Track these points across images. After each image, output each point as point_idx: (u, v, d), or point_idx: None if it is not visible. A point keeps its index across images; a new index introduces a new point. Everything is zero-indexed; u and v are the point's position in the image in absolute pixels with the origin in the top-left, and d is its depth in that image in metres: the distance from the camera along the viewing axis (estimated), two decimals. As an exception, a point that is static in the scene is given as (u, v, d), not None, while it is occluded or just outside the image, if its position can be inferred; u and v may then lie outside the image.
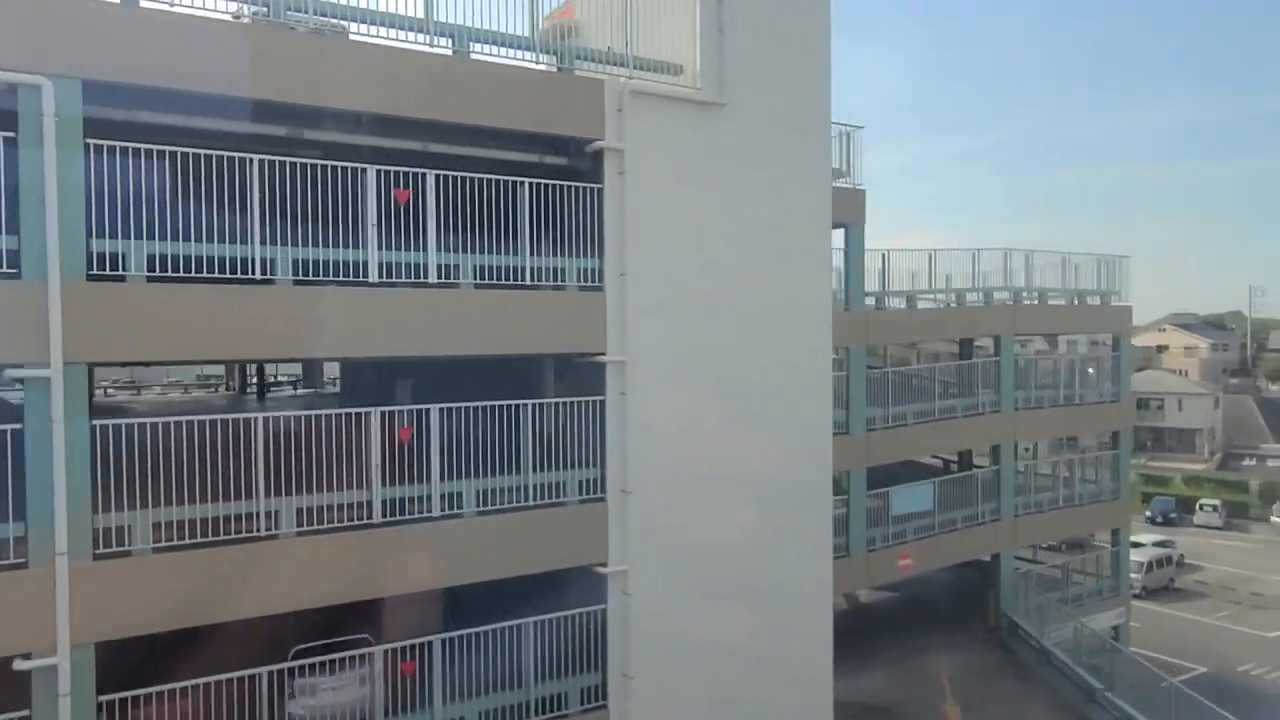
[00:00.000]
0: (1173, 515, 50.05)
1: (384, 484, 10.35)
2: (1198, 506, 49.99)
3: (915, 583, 25.10)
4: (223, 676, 9.59)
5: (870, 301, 20.89)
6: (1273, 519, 49.45)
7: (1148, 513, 51.27)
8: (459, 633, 10.94)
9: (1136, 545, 40.69)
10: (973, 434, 22.58)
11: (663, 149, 12.08)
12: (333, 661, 10.66)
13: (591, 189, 11.68)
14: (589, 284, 11.76)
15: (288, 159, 9.73)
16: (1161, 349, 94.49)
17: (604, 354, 11.69)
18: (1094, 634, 22.14)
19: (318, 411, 9.91)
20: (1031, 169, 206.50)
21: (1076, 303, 25.57)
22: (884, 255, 20.94)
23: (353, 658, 10.76)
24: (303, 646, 10.77)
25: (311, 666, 10.53)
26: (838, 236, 19.81)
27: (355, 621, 11.30)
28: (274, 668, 10.23)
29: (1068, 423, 24.83)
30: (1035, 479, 24.43)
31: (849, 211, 19.49)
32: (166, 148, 9.02)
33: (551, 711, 11.47)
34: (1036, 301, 24.30)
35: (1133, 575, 36.46)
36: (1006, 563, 23.01)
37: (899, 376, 21.51)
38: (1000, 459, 22.76)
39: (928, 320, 22.42)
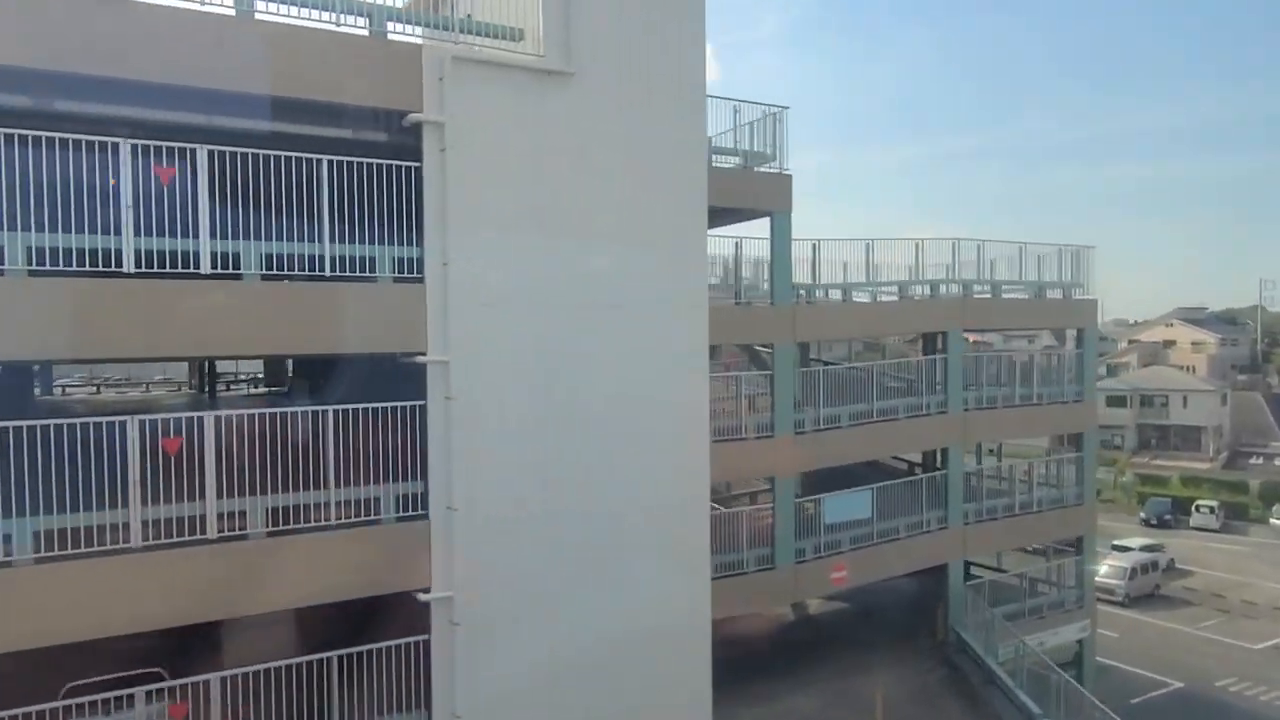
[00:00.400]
0: (1168, 517, 48.24)
1: (146, 502, 9.10)
2: (1194, 508, 48.11)
3: (869, 592, 23.68)
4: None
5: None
6: (1272, 521, 47.54)
7: (1142, 514, 49.52)
8: (252, 668, 9.71)
9: (1123, 549, 39.12)
10: (917, 437, 21.14)
11: (495, 123, 10.76)
12: (112, 700, 9.49)
13: (409, 168, 10.39)
14: (406, 275, 10.47)
15: (29, 133, 8.50)
16: (1169, 344, 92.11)
17: (424, 353, 10.40)
18: (1034, 652, 20.63)
19: (46, 421, 8.64)
20: (1039, 167, 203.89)
21: (1037, 296, 24.02)
22: (814, 245, 19.49)
23: (136, 696, 9.58)
24: (77, 684, 9.62)
25: (86, 706, 9.35)
26: (762, 225, 18.51)
27: (150, 654, 10.13)
28: (38, 708, 9.08)
29: (1024, 424, 23.29)
30: (990, 483, 22.94)
31: (774, 198, 18.13)
32: None
33: (364, 756, 10.23)
34: (990, 294, 22.80)
35: (1115, 582, 34.99)
36: (955, 573, 21.55)
37: (833, 375, 20.09)
38: (948, 463, 21.30)
39: (864, 314, 20.94)
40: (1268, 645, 29.85)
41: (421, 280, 10.42)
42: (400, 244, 10.43)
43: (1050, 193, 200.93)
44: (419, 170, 10.36)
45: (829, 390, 19.85)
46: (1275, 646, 29.71)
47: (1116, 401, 77.80)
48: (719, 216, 19.12)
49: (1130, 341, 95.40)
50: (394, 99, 10.25)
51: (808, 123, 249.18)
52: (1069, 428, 24.25)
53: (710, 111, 17.87)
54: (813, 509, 19.49)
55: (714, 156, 17.92)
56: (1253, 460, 73.19)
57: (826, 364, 22.64)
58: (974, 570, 25.35)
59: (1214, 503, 48.26)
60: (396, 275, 10.41)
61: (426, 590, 10.45)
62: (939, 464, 22.91)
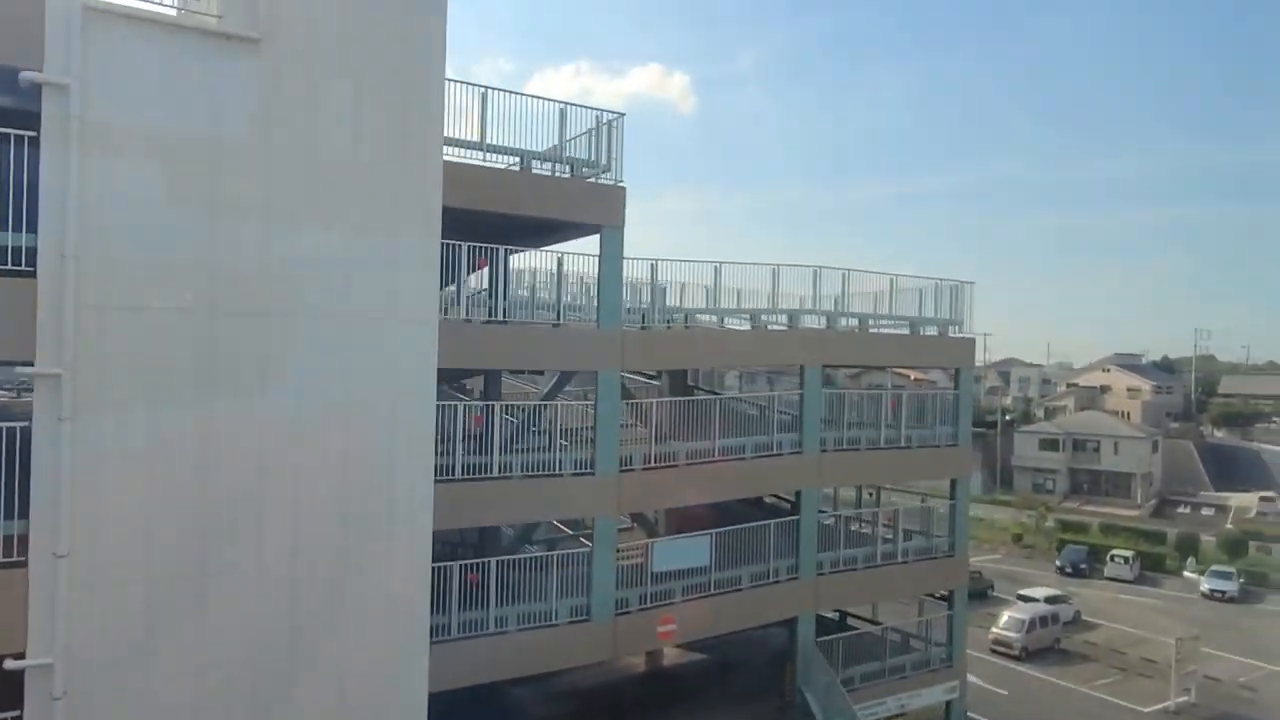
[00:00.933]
0: (1083, 566, 47.19)
1: None
2: (1109, 558, 47.12)
3: (733, 642, 21.98)
4: None
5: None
6: (1185, 574, 46.66)
7: (1058, 562, 48.46)
8: None
9: (1027, 599, 37.82)
10: (765, 478, 19.50)
11: (147, 91, 8.95)
12: None
13: (22, 137, 8.55)
14: (10, 268, 8.60)
15: None
16: (1105, 389, 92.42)
17: (31, 364, 8.50)
18: (893, 715, 19.00)
19: None
20: (1007, 211, 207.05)
21: (914, 332, 22.64)
22: (653, 265, 17.87)
23: None
24: None
25: None
26: (592, 243, 16.86)
27: None
28: None
29: (890, 468, 21.77)
30: (851, 531, 21.36)
31: (604, 212, 16.50)
32: None
33: None
34: (857, 327, 21.36)
35: (1013, 634, 33.60)
36: (805, 629, 19.85)
37: (672, 407, 18.44)
38: (801, 507, 19.69)
39: (710, 343, 19.29)
40: (1157, 709, 28.54)
41: (32, 274, 8.54)
42: (8, 230, 8.56)
43: (1017, 236, 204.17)
44: (34, 140, 8.52)
45: (666, 424, 18.20)
46: (1164, 710, 28.38)
47: (1049, 445, 77.50)
48: (546, 231, 17.52)
49: (1069, 385, 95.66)
50: (6, 52, 8.42)
51: (779, 158, 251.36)
52: (941, 473, 22.80)
53: (541, 115, 16.48)
54: (642, 555, 17.76)
55: (538, 164, 16.36)
56: (1180, 509, 73.01)
57: (711, 394, 21.01)
58: (850, 622, 23.84)
59: (1129, 553, 47.31)
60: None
61: (19, 656, 8.46)
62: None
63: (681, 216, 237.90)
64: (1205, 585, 43.46)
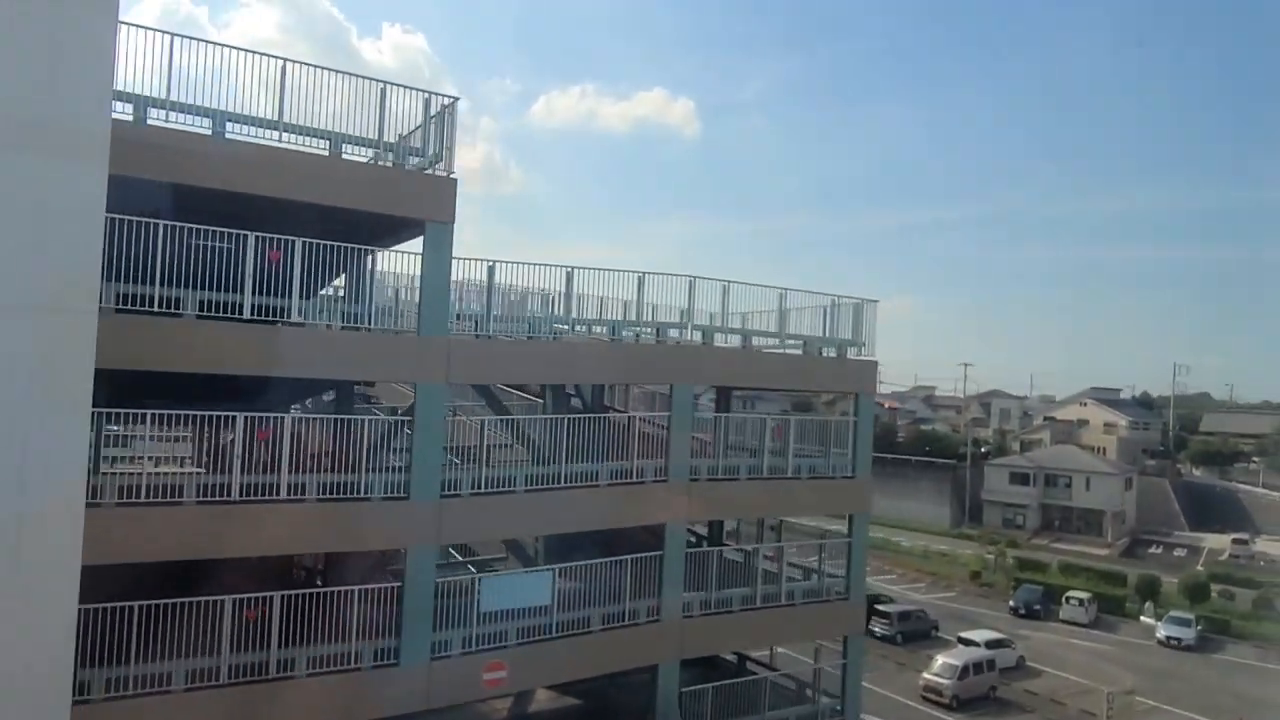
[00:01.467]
0: (1038, 607, 45.07)
1: None
2: (1064, 599, 45.03)
3: (619, 685, 19.96)
4: None
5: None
6: (1143, 619, 44.57)
7: (1011, 602, 46.34)
8: None
9: (967, 643, 35.80)
10: (621, 508, 17.54)
11: None
12: None
13: None
14: None
15: None
16: (1082, 424, 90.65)
17: None
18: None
19: None
20: (1004, 243, 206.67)
21: (809, 352, 20.78)
22: (491, 268, 16.02)
23: None
24: None
25: None
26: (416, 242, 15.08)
27: None
28: None
29: (775, 501, 19.84)
30: (728, 569, 19.38)
31: (428, 205, 14.70)
32: None
33: None
34: (741, 345, 19.52)
35: (944, 681, 31.54)
36: (666, 678, 17.80)
37: (514, 426, 16.57)
38: (665, 542, 17.73)
39: (553, 356, 17.34)
40: (1086, 767, 26.42)
41: None
42: None
43: (1015, 268, 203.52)
44: None
45: (502, 445, 16.33)
46: (1093, 770, 26.27)
47: (1020, 479, 75.59)
48: (380, 230, 15.76)
49: (1046, 418, 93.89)
50: None
51: (782, 186, 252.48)
52: (834, 507, 20.92)
53: (360, 96, 14.78)
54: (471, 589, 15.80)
55: (354, 151, 14.63)
56: (1152, 549, 70.95)
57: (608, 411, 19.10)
58: (749, 667, 21.84)
59: (1085, 595, 45.19)
60: None
61: None
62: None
63: (686, 240, 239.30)
64: (1161, 632, 41.38)
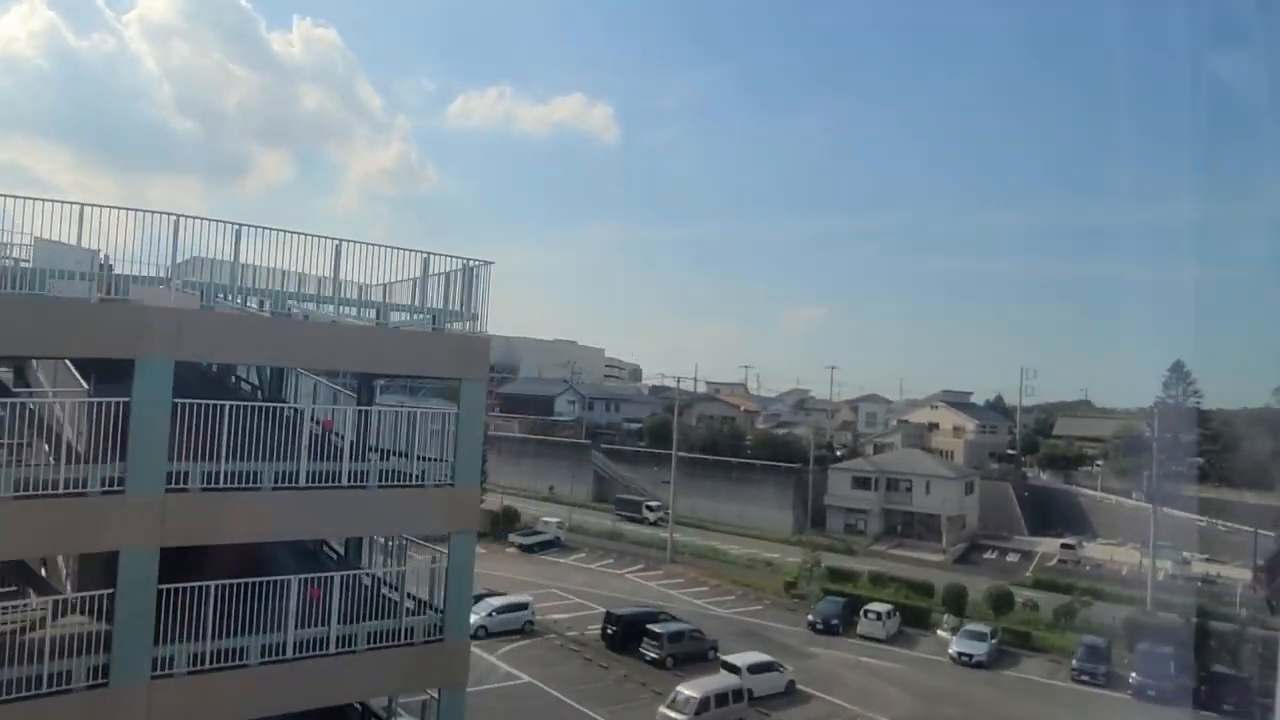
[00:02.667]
0: (836, 622, 41.87)
1: None
2: (862, 613, 42.00)
3: None
4: None
5: None
6: (939, 632, 41.91)
7: (810, 616, 43.09)
8: None
9: (729, 667, 32.02)
10: (44, 531, 12.54)
11: None
12: None
13: None
14: None
15: None
16: (934, 427, 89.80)
17: None
18: None
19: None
20: (907, 254, 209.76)
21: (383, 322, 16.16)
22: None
23: None
24: None
25: None
26: None
27: None
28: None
29: (321, 517, 15.08)
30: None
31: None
32: None
33: None
34: (270, 311, 14.77)
35: (679, 715, 27.49)
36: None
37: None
38: (121, 579, 12.76)
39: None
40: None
41: None
42: None
43: (925, 278, 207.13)
44: None
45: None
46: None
47: (861, 483, 73.51)
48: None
49: (900, 421, 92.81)
50: None
51: (700, 194, 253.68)
52: (423, 523, 16.34)
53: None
54: None
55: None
56: (987, 554, 69.70)
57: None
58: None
59: (885, 608, 42.22)
60: None
61: None
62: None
63: (606, 246, 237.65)
64: (954, 648, 38.63)
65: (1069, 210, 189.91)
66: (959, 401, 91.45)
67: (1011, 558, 67.96)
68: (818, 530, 73.22)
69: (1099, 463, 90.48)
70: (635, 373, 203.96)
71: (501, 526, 61.18)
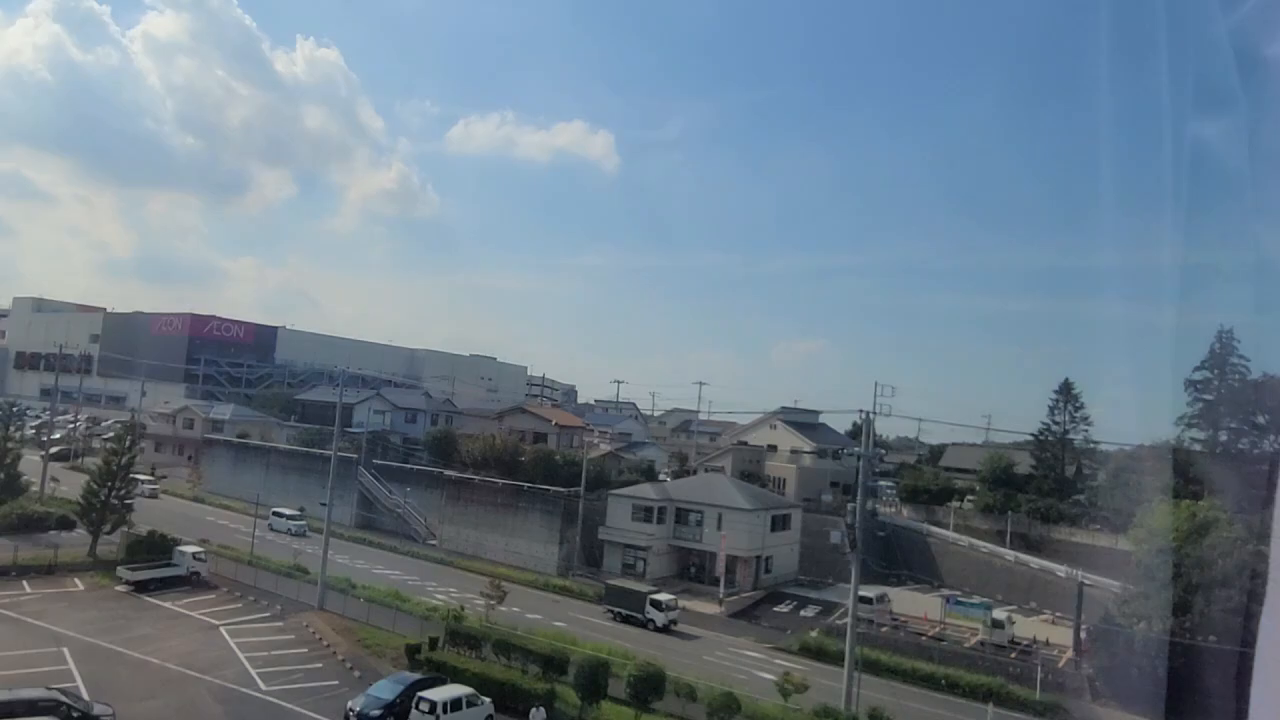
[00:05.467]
0: (377, 713, 28.27)
1: None
2: (415, 703, 28.38)
3: None
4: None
5: None
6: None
7: (352, 706, 29.43)
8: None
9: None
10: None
11: None
12: None
13: None
14: None
15: None
16: (772, 449, 76.58)
17: None
18: None
19: None
20: (908, 292, 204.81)
21: None
22: None
23: None
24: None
25: None
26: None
27: None
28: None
29: None
30: None
31: None
32: None
33: None
34: None
35: None
36: None
37: None
38: None
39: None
40: None
41: None
42: None
43: (919, 313, 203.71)
44: None
45: None
46: None
47: (644, 514, 59.93)
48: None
49: (738, 442, 79.43)
50: None
51: (698, 224, 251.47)
52: None
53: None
54: None
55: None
56: (779, 606, 56.09)
57: None
58: None
59: (459, 693, 28.71)
60: None
61: None
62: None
63: (605, 273, 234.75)
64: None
65: (1052, 251, 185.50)
66: (804, 421, 78.10)
67: (809, 611, 54.48)
68: (592, 569, 59.71)
69: (970, 497, 77.55)
70: (570, 394, 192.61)
71: (142, 557, 47.33)
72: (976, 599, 52.20)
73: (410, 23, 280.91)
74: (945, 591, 64.64)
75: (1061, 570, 60.75)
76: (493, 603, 42.43)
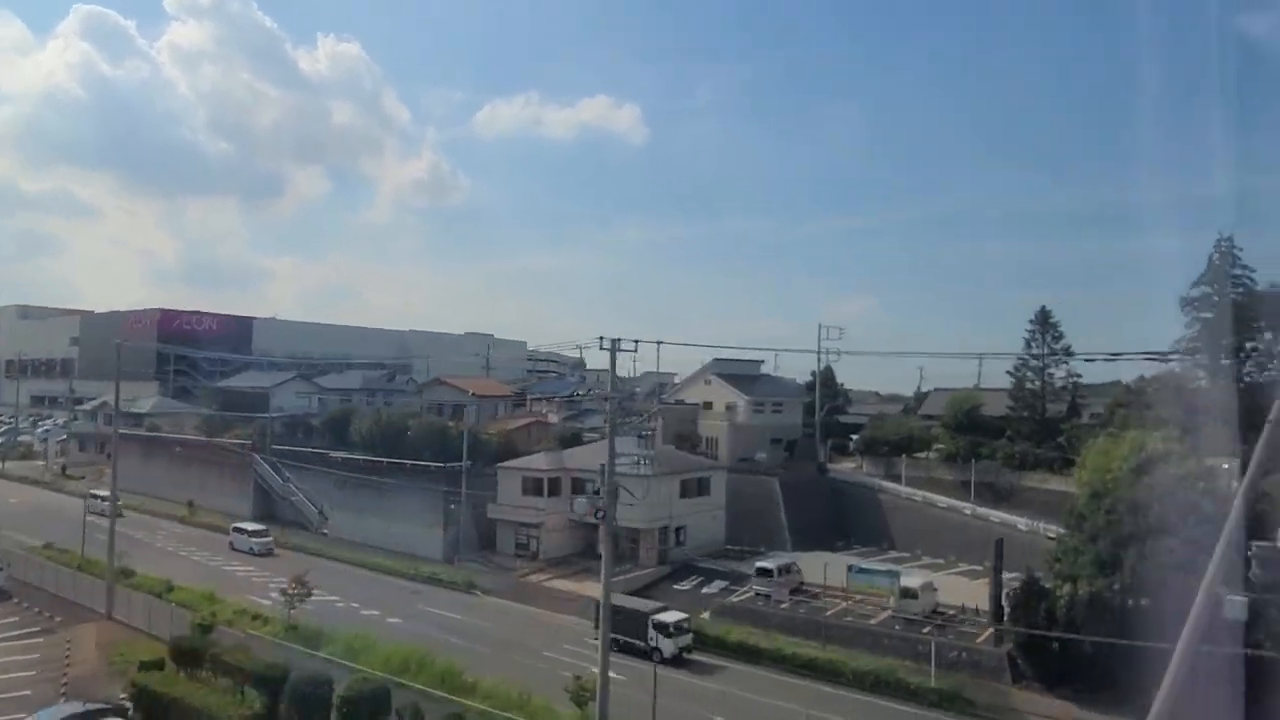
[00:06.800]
0: None
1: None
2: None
3: None
4: None
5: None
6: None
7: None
8: None
9: None
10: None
11: None
12: None
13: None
14: None
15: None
16: (707, 406, 69.16)
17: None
18: None
19: None
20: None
21: None
22: None
23: None
24: None
25: None
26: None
27: None
28: None
29: None
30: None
31: None
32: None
33: None
34: None
35: None
36: None
37: None
38: None
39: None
40: None
41: None
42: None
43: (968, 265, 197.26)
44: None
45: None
46: None
47: (533, 487, 53.07)
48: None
49: (675, 400, 71.97)
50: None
51: (731, 190, 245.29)
52: None
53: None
54: None
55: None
56: (681, 583, 49.05)
57: None
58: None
59: None
60: None
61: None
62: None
63: (636, 246, 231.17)
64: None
65: (1099, 187, 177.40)
66: (742, 374, 70.35)
67: (711, 588, 47.35)
68: (486, 551, 53.23)
69: (935, 449, 69.34)
70: (578, 366, 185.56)
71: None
72: (879, 565, 44.55)
73: (428, 10, 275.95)
74: (894, 555, 57.30)
75: (1023, 524, 52.94)
76: (295, 603, 35.92)
